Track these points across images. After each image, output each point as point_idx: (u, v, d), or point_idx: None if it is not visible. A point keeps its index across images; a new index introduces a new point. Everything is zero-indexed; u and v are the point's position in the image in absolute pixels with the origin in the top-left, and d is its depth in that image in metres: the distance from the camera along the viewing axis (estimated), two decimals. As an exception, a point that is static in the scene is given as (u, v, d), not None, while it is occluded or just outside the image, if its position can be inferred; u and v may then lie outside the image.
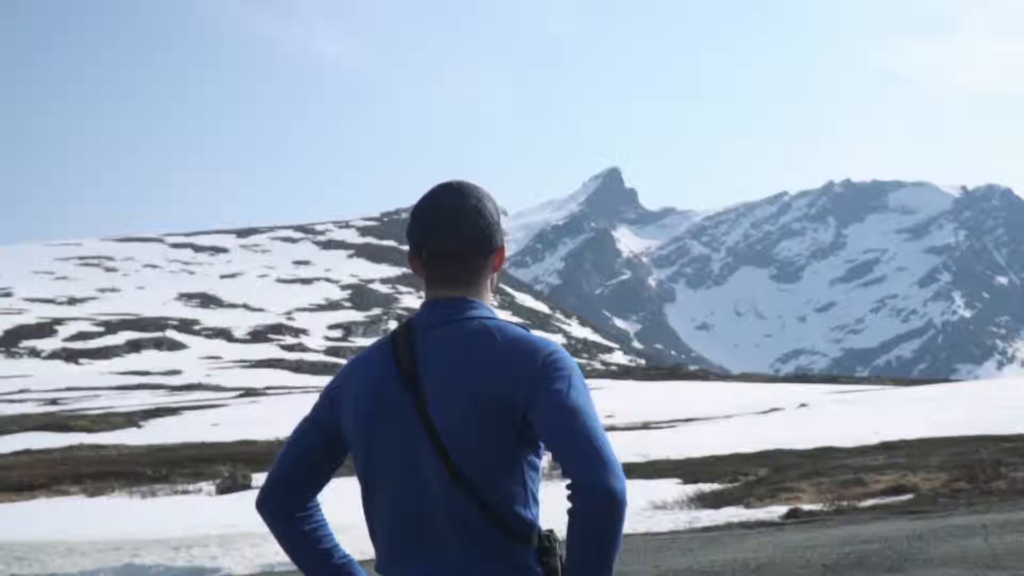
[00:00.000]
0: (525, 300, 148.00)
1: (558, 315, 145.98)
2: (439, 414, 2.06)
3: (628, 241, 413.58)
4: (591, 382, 53.81)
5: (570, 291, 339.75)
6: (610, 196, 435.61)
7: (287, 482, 2.22)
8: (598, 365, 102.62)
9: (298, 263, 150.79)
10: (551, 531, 2.10)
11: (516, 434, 2.06)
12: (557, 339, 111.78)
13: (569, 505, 1.95)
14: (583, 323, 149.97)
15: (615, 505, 1.91)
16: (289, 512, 2.22)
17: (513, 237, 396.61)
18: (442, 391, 2.07)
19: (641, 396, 42.67)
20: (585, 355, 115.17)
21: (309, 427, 2.24)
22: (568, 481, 1.95)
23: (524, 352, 2.06)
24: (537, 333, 2.11)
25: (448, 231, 2.15)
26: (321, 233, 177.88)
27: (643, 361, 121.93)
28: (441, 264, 2.17)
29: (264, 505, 2.24)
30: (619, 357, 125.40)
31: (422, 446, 2.07)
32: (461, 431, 2.04)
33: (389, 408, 2.11)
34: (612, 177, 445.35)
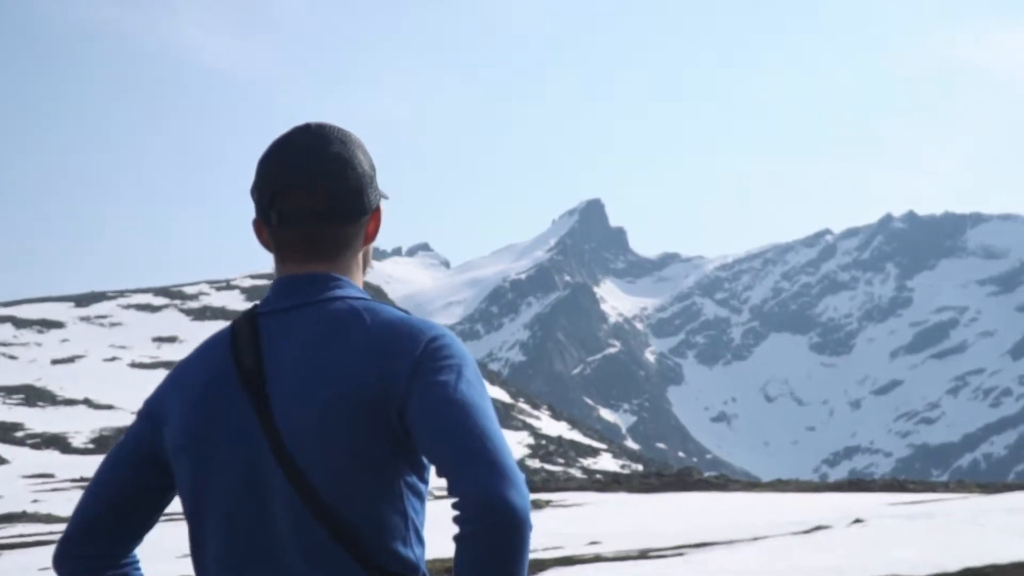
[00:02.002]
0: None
1: (522, 404, 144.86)
2: (288, 421, 2.07)
3: (616, 300, 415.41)
4: (567, 496, 53.60)
5: (538, 371, 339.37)
6: (590, 239, 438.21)
7: (94, 528, 2.17)
8: (578, 473, 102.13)
9: (161, 340, 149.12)
10: None
11: (392, 445, 2.07)
12: (521, 437, 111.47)
13: (456, 530, 1.94)
14: (556, 415, 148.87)
15: (517, 525, 1.90)
16: (96, 569, 2.17)
17: (460, 298, 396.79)
18: (293, 391, 2.08)
19: (637, 514, 42.40)
20: (560, 460, 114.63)
21: (122, 455, 2.22)
22: (455, 499, 1.94)
23: (400, 337, 2.10)
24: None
25: (305, 185, 2.16)
26: (193, 297, 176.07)
27: (639, 466, 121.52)
28: (296, 229, 2.18)
29: (63, 562, 2.17)
30: (607, 461, 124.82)
31: (266, 463, 2.07)
32: (317, 442, 2.05)
33: (223, 417, 2.11)
34: (592, 213, 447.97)
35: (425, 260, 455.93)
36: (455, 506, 1.93)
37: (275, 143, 2.22)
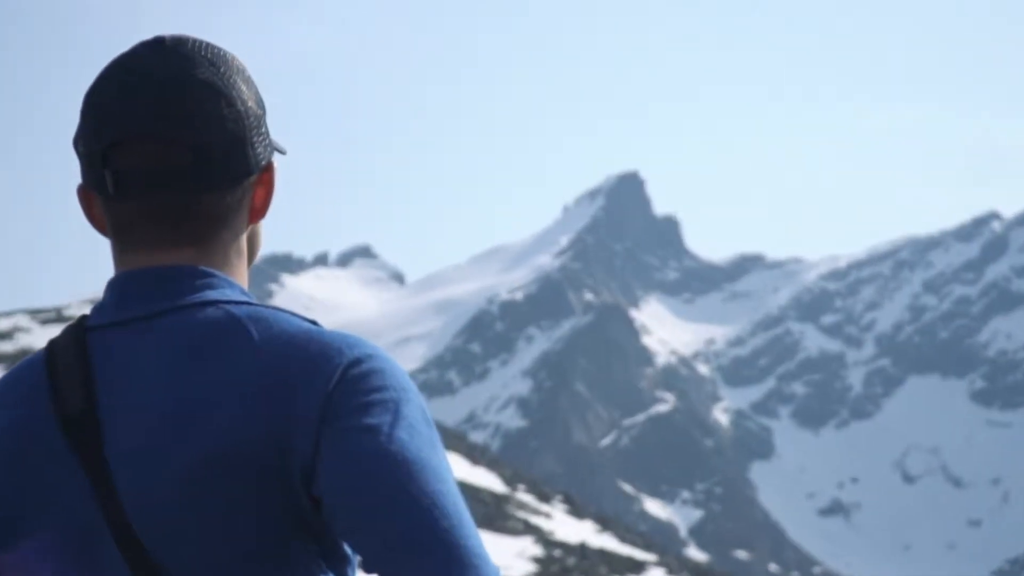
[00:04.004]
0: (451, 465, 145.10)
1: (522, 495, 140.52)
2: (136, 492, 1.99)
3: (666, 330, 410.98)
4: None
5: (547, 443, 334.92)
6: (624, 234, 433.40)
7: None
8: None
9: None
10: None
11: (294, 526, 2.01)
12: (522, 545, 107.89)
13: None
14: (577, 510, 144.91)
15: None
16: None
17: (422, 330, 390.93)
18: (143, 447, 2.01)
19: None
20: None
21: None
22: None
23: (305, 359, 2.02)
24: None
25: (157, 131, 2.06)
26: (6, 336, 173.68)
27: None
28: (143, 200, 2.08)
29: None
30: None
31: (104, 553, 2.01)
32: (180, 523, 1.99)
33: (41, 485, 2.04)
34: (626, 194, 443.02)
35: (366, 272, 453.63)
36: None
37: (109, 67, 2.11)
